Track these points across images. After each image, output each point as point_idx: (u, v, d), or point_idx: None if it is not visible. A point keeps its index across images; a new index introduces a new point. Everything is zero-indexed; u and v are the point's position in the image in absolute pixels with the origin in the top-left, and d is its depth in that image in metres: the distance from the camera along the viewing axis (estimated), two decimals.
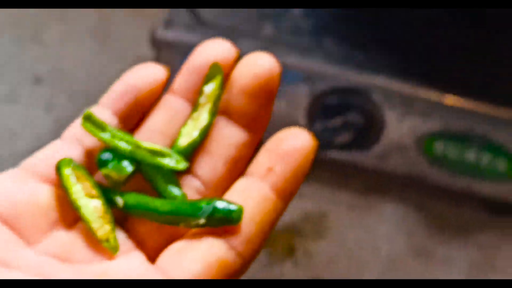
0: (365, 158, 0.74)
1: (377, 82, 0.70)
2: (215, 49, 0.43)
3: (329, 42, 0.72)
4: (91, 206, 0.40)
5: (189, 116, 0.42)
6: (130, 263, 0.39)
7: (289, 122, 0.74)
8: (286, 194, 0.41)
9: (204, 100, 0.42)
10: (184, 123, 0.42)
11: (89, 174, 0.41)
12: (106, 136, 0.41)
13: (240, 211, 0.39)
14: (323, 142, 0.71)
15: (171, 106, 0.43)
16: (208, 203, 0.40)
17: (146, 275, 0.38)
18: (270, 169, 0.40)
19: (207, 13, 0.74)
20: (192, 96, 0.43)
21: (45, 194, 0.41)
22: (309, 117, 0.73)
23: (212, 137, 0.42)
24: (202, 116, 0.42)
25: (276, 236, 0.78)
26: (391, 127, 0.72)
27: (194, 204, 0.40)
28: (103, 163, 0.41)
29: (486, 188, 0.73)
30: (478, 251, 0.78)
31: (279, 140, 0.41)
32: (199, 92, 0.42)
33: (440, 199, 0.79)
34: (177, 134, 0.42)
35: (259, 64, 0.42)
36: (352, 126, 0.72)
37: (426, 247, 0.78)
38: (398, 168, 0.74)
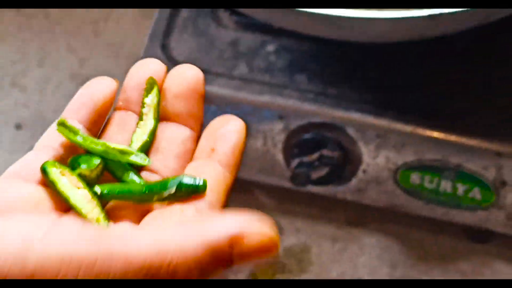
0: (344, 191, 0.75)
1: (352, 117, 0.71)
2: (147, 67, 0.50)
3: (302, 79, 0.73)
4: (79, 195, 0.45)
5: (136, 125, 0.48)
6: (121, 226, 0.44)
7: (267, 159, 0.75)
8: (231, 167, 0.47)
9: (147, 110, 0.48)
10: (133, 132, 0.48)
11: (72, 170, 0.46)
12: (79, 139, 0.46)
13: (205, 181, 0.45)
14: (301, 177, 0.72)
15: (120, 120, 0.49)
16: (174, 178, 0.45)
17: (137, 231, 0.43)
18: (213, 150, 0.47)
19: (180, 55, 0.75)
20: (136, 108, 0.49)
21: (33, 190, 0.45)
22: (286, 153, 0.74)
23: (158, 138, 0.48)
24: (148, 122, 0.48)
25: (259, 271, 0.79)
26: (367, 160, 0.73)
27: (163, 180, 0.45)
28: (74, 165, 0.46)
29: (464, 216, 0.73)
30: (460, 278, 0.78)
31: (214, 126, 0.48)
32: (141, 104, 0.49)
33: (420, 229, 0.80)
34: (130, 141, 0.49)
35: (186, 73, 0.49)
36: (329, 160, 0.72)
37: (409, 277, 0.79)
38: (377, 200, 0.75)
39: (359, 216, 0.81)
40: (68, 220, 0.44)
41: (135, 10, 0.97)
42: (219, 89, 0.73)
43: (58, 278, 0.39)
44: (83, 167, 0.46)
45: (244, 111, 0.74)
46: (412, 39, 0.62)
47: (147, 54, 0.76)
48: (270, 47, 0.75)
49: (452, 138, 0.70)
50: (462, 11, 0.55)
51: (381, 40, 0.63)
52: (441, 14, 0.55)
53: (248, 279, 0.78)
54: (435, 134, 0.70)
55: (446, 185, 0.72)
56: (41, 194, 0.45)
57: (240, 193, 0.83)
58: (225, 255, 0.41)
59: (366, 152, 0.72)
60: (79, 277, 0.40)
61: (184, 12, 0.78)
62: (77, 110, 0.48)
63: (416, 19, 0.56)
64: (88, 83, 0.49)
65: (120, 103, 0.49)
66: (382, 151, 0.72)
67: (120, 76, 0.88)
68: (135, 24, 0.96)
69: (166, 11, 0.78)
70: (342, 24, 0.58)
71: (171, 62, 0.75)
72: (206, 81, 0.73)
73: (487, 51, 0.73)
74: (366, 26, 0.57)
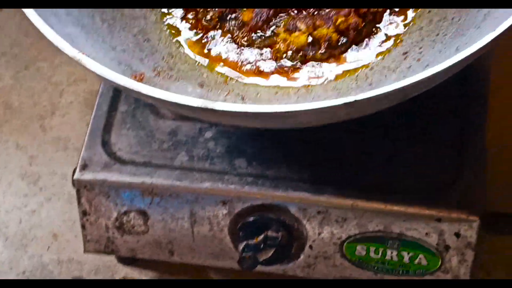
0: (294, 268, 0.76)
1: (292, 196, 0.72)
2: None
3: (241, 163, 0.74)
4: None
5: None
6: None
7: (215, 244, 0.76)
8: None
9: None
10: None
11: None
12: None
13: None
14: (249, 260, 0.73)
15: None
16: None
17: None
18: None
19: (121, 150, 0.76)
20: None
21: None
22: (232, 237, 0.75)
23: None
24: None
25: None
26: (312, 236, 0.74)
27: None
28: None
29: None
30: None
31: None
32: None
33: None
34: None
35: None
36: (274, 241, 0.73)
37: None
38: (327, 274, 0.76)
39: None
40: None
41: (80, 101, 0.98)
42: (161, 181, 0.75)
43: None
44: None
45: (187, 200, 0.75)
46: (336, 122, 0.63)
47: (88, 152, 0.77)
48: (208, 134, 0.77)
49: (392, 208, 0.71)
50: (375, 96, 0.57)
51: (306, 126, 0.65)
52: (356, 101, 0.57)
53: (248, 279, 0.79)
54: (375, 205, 0.72)
55: (391, 254, 0.73)
56: None
57: (196, 276, 0.84)
58: None
59: (310, 229, 0.74)
60: None
61: (123, 106, 0.79)
62: None
63: (333, 108, 0.57)
64: None
65: None
66: (325, 227, 0.73)
67: (70, 168, 0.89)
68: (81, 114, 0.97)
69: (104, 107, 0.79)
70: (263, 118, 0.59)
71: (111, 158, 0.76)
72: (148, 174, 0.75)
73: (417, 121, 0.75)
74: (286, 119, 0.59)
